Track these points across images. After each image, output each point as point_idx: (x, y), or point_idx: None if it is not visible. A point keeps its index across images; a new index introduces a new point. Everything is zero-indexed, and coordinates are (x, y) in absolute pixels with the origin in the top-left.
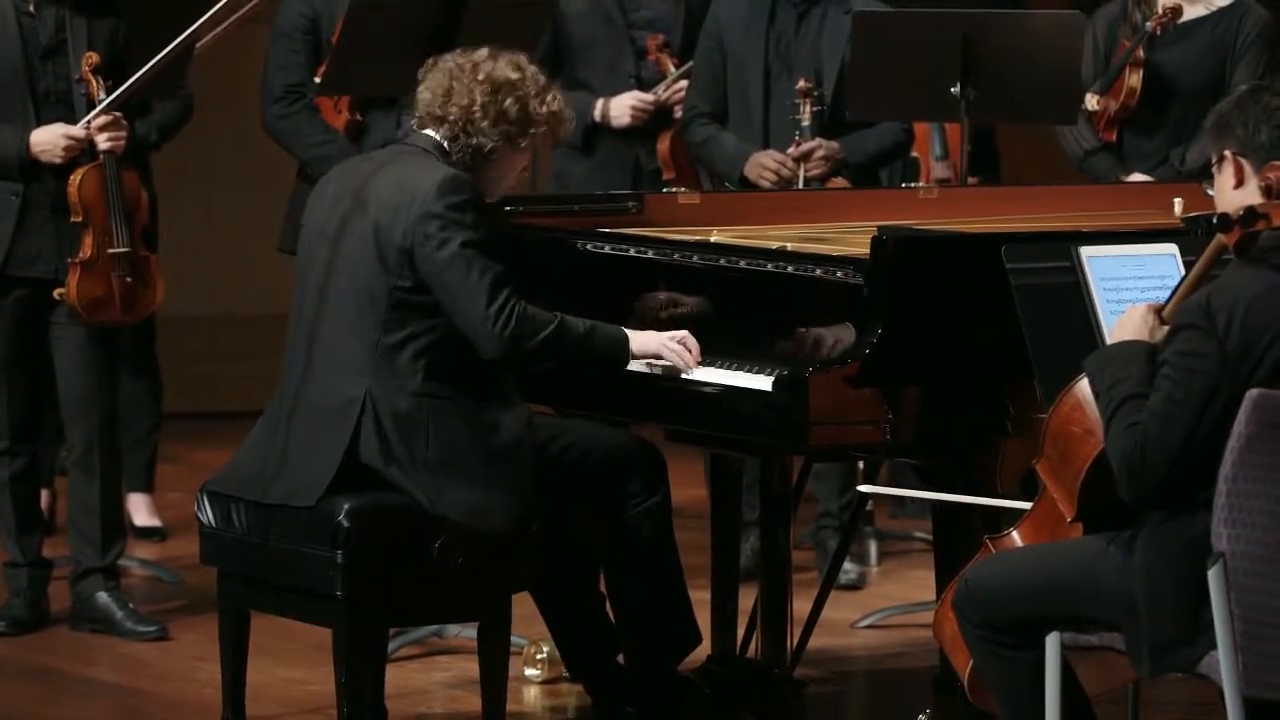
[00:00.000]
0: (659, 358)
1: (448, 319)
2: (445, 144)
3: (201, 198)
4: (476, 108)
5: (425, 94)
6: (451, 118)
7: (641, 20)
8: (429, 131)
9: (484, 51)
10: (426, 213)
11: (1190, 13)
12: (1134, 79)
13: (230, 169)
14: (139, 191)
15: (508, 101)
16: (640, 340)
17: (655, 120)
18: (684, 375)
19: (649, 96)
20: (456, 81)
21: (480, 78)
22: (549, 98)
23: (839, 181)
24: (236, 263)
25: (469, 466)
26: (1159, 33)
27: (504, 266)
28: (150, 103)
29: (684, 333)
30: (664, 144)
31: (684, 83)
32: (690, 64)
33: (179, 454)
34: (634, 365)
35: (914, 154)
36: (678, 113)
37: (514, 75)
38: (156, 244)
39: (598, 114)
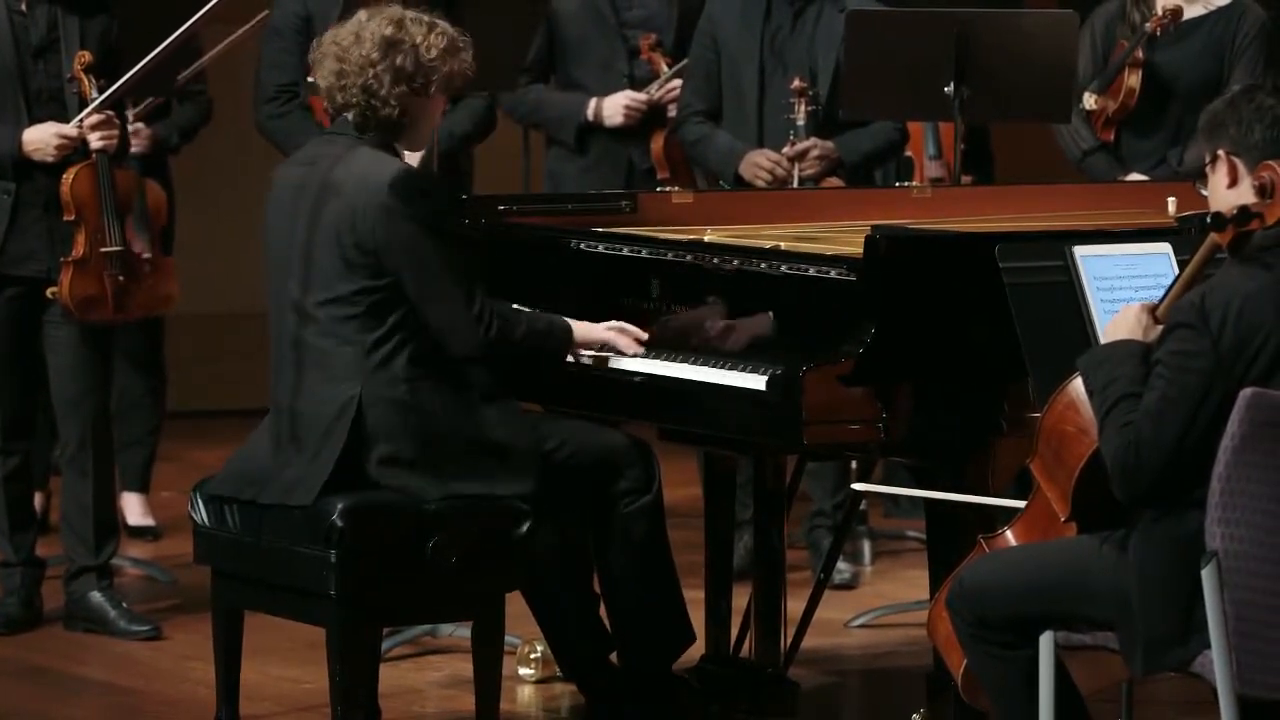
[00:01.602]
0: (603, 346)
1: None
2: (360, 124)
3: (201, 197)
4: (372, 79)
5: (322, 82)
6: (355, 99)
7: (634, 19)
8: (349, 116)
9: (361, 15)
10: (385, 212)
11: (1189, 13)
12: (1133, 79)
13: (229, 167)
14: (131, 190)
15: (399, 59)
16: (583, 331)
17: (648, 120)
18: (678, 374)
19: (641, 96)
20: (344, 64)
21: (365, 50)
22: (434, 37)
23: (833, 181)
24: (235, 261)
25: (474, 444)
26: (1158, 34)
27: (470, 258)
28: (170, 105)
29: (618, 322)
30: (657, 143)
31: (677, 82)
32: (683, 63)
33: (174, 452)
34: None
35: (908, 153)
36: (671, 112)
37: (391, 31)
38: (172, 247)
39: (590, 114)
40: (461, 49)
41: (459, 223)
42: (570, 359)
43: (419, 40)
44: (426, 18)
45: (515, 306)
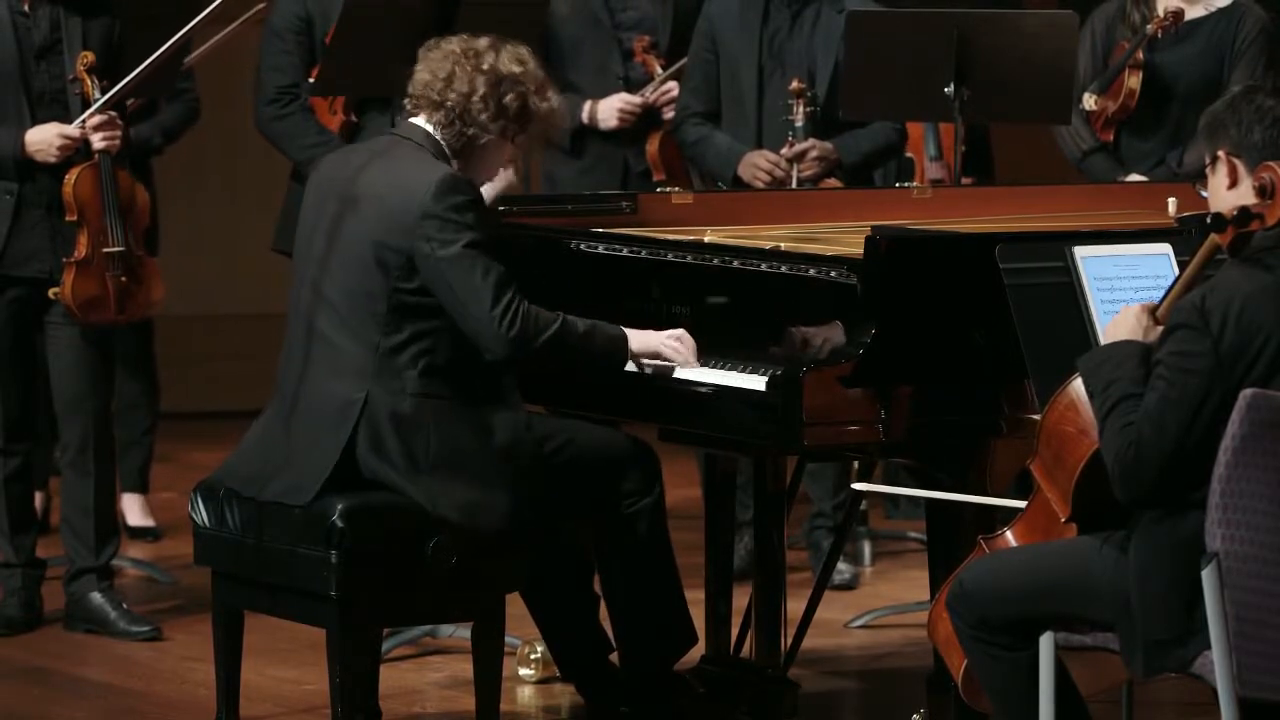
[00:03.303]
0: (658, 356)
1: (448, 320)
2: (436, 131)
3: (194, 197)
4: (477, 98)
5: (425, 75)
6: (449, 104)
7: (628, 21)
8: (420, 119)
9: (485, 41)
10: (426, 214)
11: (1189, 14)
12: (1133, 81)
13: (222, 168)
14: (133, 191)
15: (509, 96)
16: (640, 339)
17: (644, 122)
18: (678, 375)
19: (636, 99)
20: (459, 67)
21: (484, 68)
22: (549, 94)
23: (832, 182)
24: (229, 262)
25: (470, 466)
26: (1159, 35)
27: (505, 266)
28: (157, 104)
29: (681, 330)
30: (653, 145)
31: (671, 84)
32: (678, 65)
33: (172, 454)
34: (632, 366)
35: (908, 154)
36: (666, 114)
37: (517, 69)
38: (157, 247)
39: (585, 116)
40: (557, 118)
41: (493, 228)
42: (633, 368)
43: (533, 89)
44: (543, 74)
45: (559, 314)
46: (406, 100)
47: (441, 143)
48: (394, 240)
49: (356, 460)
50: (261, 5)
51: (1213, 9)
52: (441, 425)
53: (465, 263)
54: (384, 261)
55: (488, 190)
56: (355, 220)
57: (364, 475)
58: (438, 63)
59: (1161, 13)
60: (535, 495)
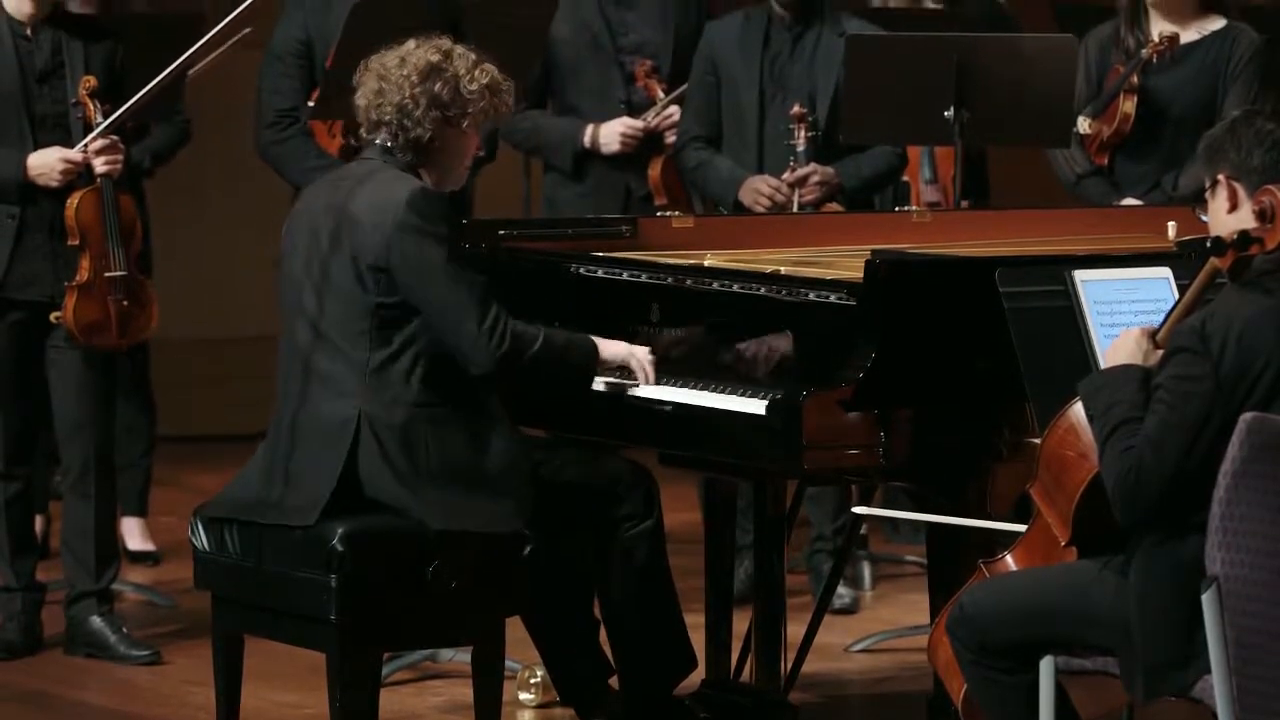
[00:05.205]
0: (625, 366)
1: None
2: (389, 144)
3: (192, 220)
4: (408, 100)
5: (361, 100)
6: (388, 118)
7: (630, 45)
8: (376, 140)
9: (404, 46)
10: (399, 228)
11: (1183, 37)
12: (1128, 105)
13: (220, 190)
14: (135, 215)
15: (437, 86)
16: (609, 348)
17: (646, 146)
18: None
19: (638, 123)
20: (384, 82)
21: (406, 71)
22: (478, 72)
23: (833, 206)
24: (227, 285)
25: (471, 472)
26: (1154, 60)
27: (485, 277)
28: (148, 127)
29: (645, 349)
30: (654, 170)
31: (674, 108)
32: (680, 89)
33: (172, 477)
34: (597, 384)
35: (904, 178)
36: (668, 139)
37: (437, 58)
38: (151, 269)
39: (587, 140)
40: (503, 91)
41: (467, 238)
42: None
43: (461, 72)
44: (474, 55)
45: (538, 327)
46: (361, 129)
47: (398, 155)
48: (372, 257)
49: (359, 478)
50: (249, 30)
51: (1206, 32)
52: (438, 435)
53: (444, 277)
54: (364, 279)
55: None
56: (343, 245)
57: (366, 493)
58: (368, 84)
59: (1156, 36)
60: (535, 500)
